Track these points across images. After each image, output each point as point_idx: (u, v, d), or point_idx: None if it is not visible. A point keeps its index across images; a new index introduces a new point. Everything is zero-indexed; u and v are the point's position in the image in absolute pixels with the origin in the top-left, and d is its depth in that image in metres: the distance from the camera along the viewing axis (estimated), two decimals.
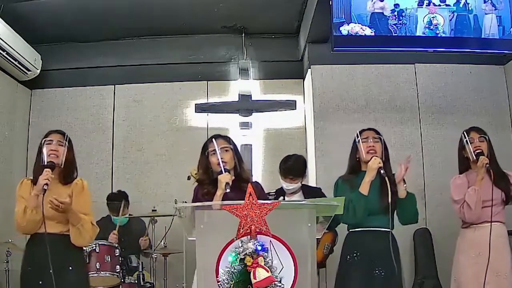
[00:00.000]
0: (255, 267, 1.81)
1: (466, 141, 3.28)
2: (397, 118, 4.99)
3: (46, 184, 2.76)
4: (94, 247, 4.02)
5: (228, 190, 2.78)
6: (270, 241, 1.93)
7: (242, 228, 1.85)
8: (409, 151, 4.89)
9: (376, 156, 3.01)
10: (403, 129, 4.98)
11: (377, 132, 3.18)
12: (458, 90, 5.03)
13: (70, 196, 2.86)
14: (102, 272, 4.01)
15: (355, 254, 2.99)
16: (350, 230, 3.10)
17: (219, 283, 1.87)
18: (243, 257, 1.83)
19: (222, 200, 2.77)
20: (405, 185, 3.02)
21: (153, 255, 4.51)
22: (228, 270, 1.85)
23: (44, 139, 2.98)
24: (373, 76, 5.09)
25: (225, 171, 2.86)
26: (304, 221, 2.07)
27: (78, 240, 2.89)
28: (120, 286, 4.15)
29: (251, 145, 5.35)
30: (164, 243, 4.60)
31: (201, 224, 2.06)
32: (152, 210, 4.62)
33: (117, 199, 4.76)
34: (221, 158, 2.90)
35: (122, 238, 4.49)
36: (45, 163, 2.87)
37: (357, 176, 3.08)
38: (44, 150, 2.93)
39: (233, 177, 2.93)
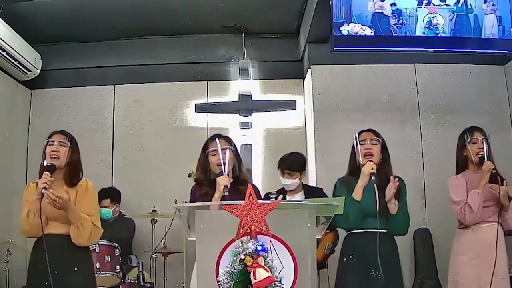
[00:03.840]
0: (255, 267, 1.80)
1: (470, 141, 3.28)
2: (397, 118, 4.99)
3: (45, 188, 2.75)
4: (94, 247, 4.03)
5: (226, 193, 2.75)
6: (270, 241, 1.92)
7: (242, 228, 1.85)
8: (409, 151, 4.92)
9: (371, 161, 2.97)
10: (403, 129, 4.97)
11: (376, 134, 3.13)
12: (458, 90, 5.03)
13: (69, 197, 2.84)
14: (102, 272, 4.02)
15: (351, 256, 2.99)
16: (348, 232, 3.10)
17: (219, 283, 1.87)
18: (243, 257, 1.82)
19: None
20: (395, 202, 2.95)
21: (153, 255, 4.51)
22: (228, 270, 1.85)
23: (47, 140, 2.96)
24: (373, 76, 5.08)
25: (224, 173, 2.84)
26: (304, 221, 2.07)
27: (77, 238, 2.86)
28: (120, 286, 4.16)
29: (251, 145, 5.35)
30: (164, 243, 4.61)
31: (201, 224, 2.06)
32: (152, 210, 4.63)
33: (107, 194, 4.78)
34: (222, 159, 2.87)
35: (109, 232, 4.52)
36: (46, 165, 2.86)
37: (356, 178, 3.06)
38: (46, 152, 2.92)
39: (231, 179, 2.88)
